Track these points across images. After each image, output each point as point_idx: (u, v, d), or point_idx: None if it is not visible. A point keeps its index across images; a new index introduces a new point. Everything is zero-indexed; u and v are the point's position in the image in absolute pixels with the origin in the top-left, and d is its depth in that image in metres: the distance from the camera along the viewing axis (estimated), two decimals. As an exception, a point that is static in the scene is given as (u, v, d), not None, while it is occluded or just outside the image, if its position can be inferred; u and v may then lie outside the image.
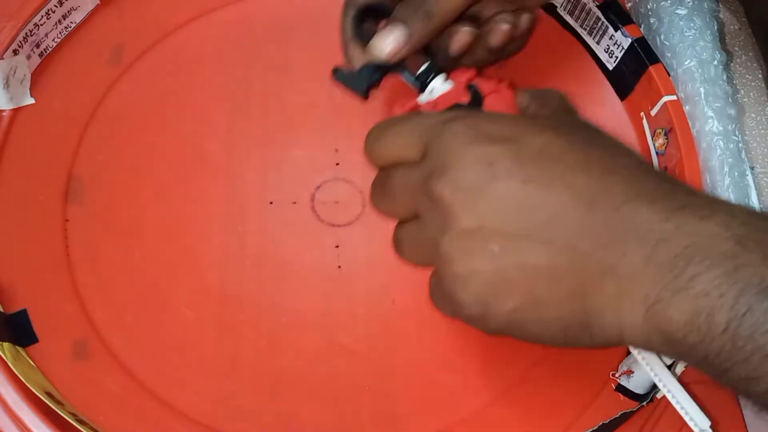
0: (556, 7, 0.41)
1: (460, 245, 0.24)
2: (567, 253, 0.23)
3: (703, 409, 0.31)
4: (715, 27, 0.41)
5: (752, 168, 0.40)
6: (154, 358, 0.34)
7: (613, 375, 0.33)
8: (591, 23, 0.40)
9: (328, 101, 0.40)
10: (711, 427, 0.30)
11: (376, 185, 0.29)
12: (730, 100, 0.39)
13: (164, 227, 0.36)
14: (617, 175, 0.24)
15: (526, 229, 0.24)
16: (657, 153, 0.38)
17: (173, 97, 0.39)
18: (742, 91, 0.43)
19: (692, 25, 0.40)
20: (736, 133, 0.38)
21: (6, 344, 0.31)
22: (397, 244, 0.29)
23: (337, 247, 0.37)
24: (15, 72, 0.37)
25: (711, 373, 0.24)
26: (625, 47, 0.39)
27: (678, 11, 0.40)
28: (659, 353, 0.28)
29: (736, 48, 0.44)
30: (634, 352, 0.30)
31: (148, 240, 0.36)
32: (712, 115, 0.38)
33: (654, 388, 0.32)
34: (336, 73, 0.33)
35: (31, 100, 0.38)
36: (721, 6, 0.45)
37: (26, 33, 0.37)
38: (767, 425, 0.33)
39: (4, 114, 0.37)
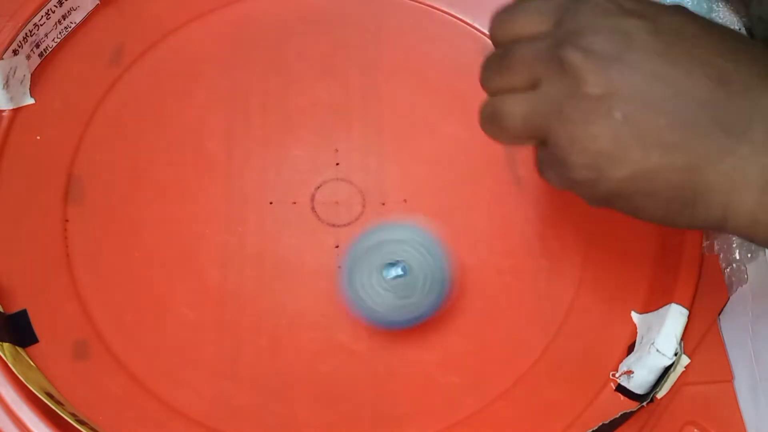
0: (556, 7, 0.41)
1: (583, 109, 0.25)
2: (690, 127, 0.24)
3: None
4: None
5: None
6: (154, 358, 0.34)
7: (613, 375, 0.33)
8: (591, 23, 0.40)
9: (328, 101, 0.40)
10: None
11: (492, 61, 0.29)
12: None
13: (164, 227, 0.36)
14: (743, 57, 0.25)
15: (653, 100, 0.24)
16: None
17: (173, 97, 0.39)
18: (742, 92, 0.42)
19: (692, 25, 0.40)
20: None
21: (6, 344, 0.31)
22: (499, 115, 0.28)
23: (337, 247, 0.37)
24: (15, 72, 0.37)
25: None
26: (625, 47, 0.39)
27: (678, 11, 0.40)
28: (757, 241, 0.27)
29: (736, 48, 0.44)
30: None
31: (148, 240, 0.36)
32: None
33: (654, 388, 0.32)
34: None
35: (31, 100, 0.38)
36: (721, 6, 0.44)
37: (26, 33, 0.37)
38: (767, 425, 0.33)
39: (4, 114, 0.37)
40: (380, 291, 0.32)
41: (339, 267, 0.36)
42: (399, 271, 0.31)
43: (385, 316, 0.32)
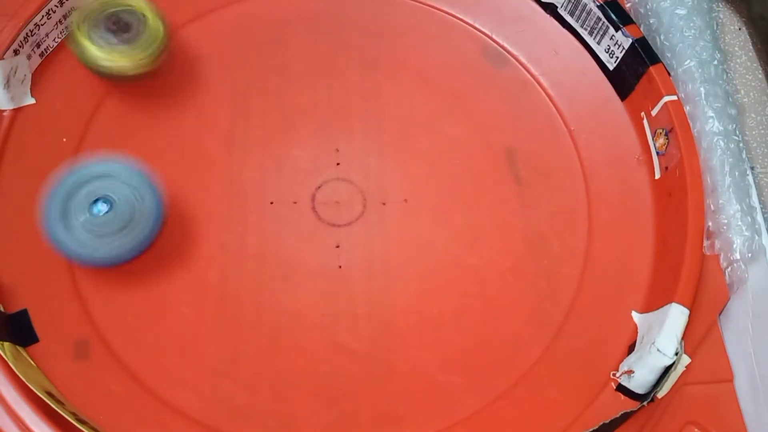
0: (557, 7, 0.41)
1: None
2: None
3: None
4: (715, 27, 0.41)
5: (752, 168, 0.40)
6: (155, 358, 0.34)
7: (614, 375, 0.33)
8: (591, 23, 0.40)
9: (328, 101, 0.40)
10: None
11: None
12: (731, 99, 0.39)
13: (164, 227, 0.36)
14: None
15: None
16: (657, 153, 0.38)
17: (173, 97, 0.39)
18: (742, 91, 0.43)
19: (692, 24, 0.40)
20: (737, 132, 0.38)
21: (7, 344, 0.31)
22: None
23: (337, 247, 0.37)
24: (15, 72, 0.37)
25: None
26: (626, 47, 0.39)
27: (678, 11, 0.40)
28: None
29: (736, 48, 0.44)
30: None
31: (149, 240, 0.36)
32: (713, 114, 0.38)
33: (654, 387, 0.32)
34: None
35: (32, 100, 0.38)
36: (721, 6, 0.44)
37: (27, 33, 0.37)
38: (767, 425, 0.33)
39: (4, 114, 0.37)
40: (86, 227, 0.32)
41: (339, 267, 0.36)
42: (104, 208, 0.32)
43: (92, 254, 0.32)
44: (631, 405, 0.32)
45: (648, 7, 0.41)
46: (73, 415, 0.30)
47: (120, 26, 0.36)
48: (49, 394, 0.30)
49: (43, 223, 0.32)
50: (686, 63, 0.39)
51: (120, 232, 0.32)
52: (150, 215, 0.33)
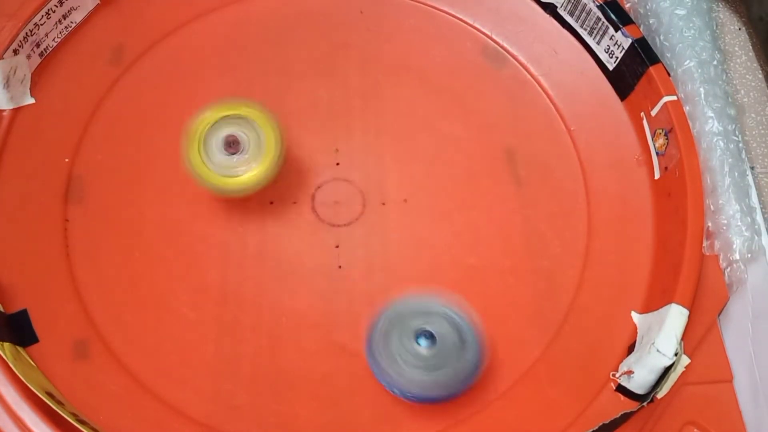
0: (557, 7, 0.41)
1: None
2: None
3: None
4: (715, 27, 0.41)
5: (752, 168, 0.40)
6: (154, 358, 0.34)
7: (614, 375, 0.33)
8: (591, 23, 0.40)
9: (328, 101, 0.40)
10: None
11: None
12: (730, 100, 0.39)
13: (164, 227, 0.36)
14: None
15: None
16: (657, 153, 0.38)
17: (173, 97, 0.39)
18: (742, 91, 0.43)
19: (691, 25, 0.40)
20: (736, 133, 0.38)
21: (6, 344, 0.31)
22: None
23: (337, 247, 0.37)
24: (15, 72, 0.37)
25: None
26: (626, 47, 0.39)
27: (677, 11, 0.40)
28: None
29: (736, 48, 0.44)
30: None
31: (148, 240, 0.36)
32: (712, 115, 0.38)
33: (654, 388, 0.32)
34: None
35: (32, 100, 0.38)
36: (720, 6, 0.45)
37: (26, 33, 0.37)
38: (767, 425, 0.33)
39: (4, 114, 0.37)
40: (411, 362, 0.31)
41: (339, 267, 0.36)
42: (430, 342, 0.31)
43: (415, 390, 0.31)
44: (631, 405, 0.32)
45: (648, 7, 0.41)
46: (74, 415, 0.30)
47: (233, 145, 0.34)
48: (49, 395, 0.30)
49: (370, 357, 0.31)
50: (686, 63, 0.39)
51: (442, 368, 0.31)
52: (472, 357, 0.31)
